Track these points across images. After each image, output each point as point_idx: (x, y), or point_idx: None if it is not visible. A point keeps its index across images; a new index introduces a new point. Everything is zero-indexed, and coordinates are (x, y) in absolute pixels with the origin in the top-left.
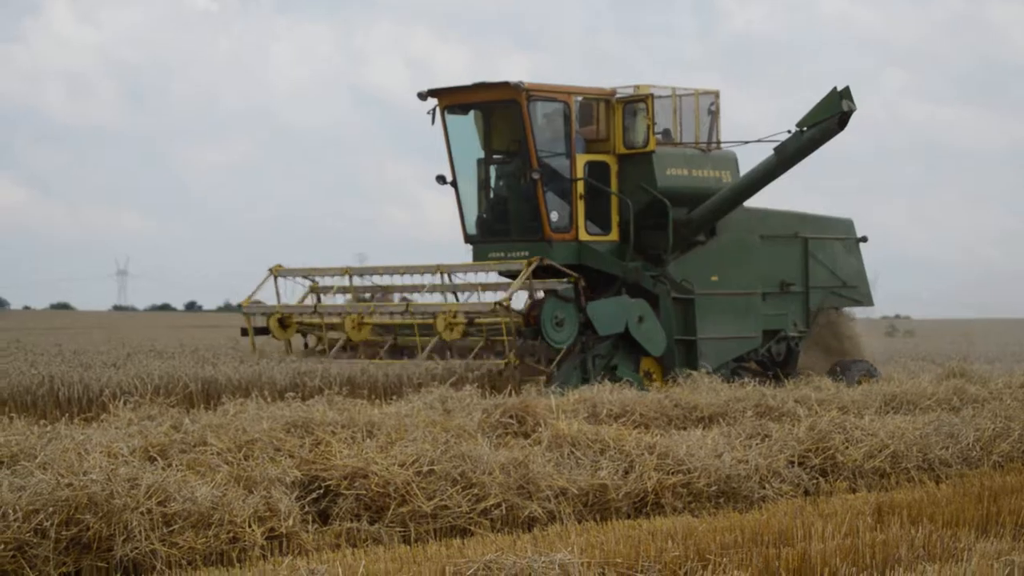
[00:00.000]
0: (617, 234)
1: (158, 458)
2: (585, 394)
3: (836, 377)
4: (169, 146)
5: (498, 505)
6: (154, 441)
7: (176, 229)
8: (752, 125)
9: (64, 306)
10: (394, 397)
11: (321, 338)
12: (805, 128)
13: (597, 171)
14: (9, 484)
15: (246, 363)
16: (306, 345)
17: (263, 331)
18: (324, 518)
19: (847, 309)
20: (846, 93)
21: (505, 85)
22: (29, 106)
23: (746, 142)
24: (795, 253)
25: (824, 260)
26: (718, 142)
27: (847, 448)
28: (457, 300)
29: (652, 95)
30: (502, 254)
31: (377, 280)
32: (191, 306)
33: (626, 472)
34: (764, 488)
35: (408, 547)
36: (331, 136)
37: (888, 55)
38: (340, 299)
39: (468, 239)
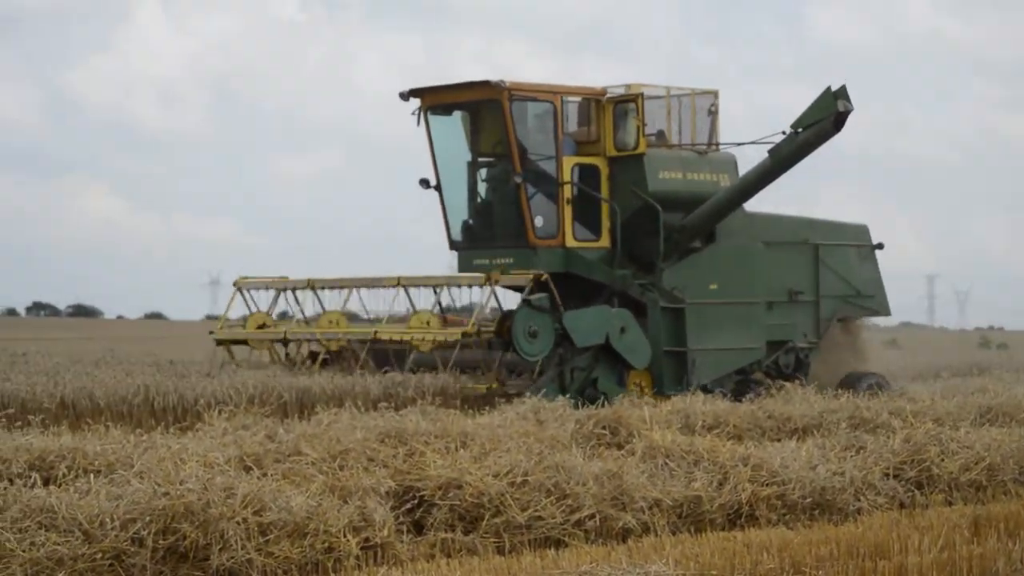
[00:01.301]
0: (608, 240)
1: (253, 467)
2: (678, 405)
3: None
4: (258, 155)
5: (592, 516)
6: (249, 451)
7: (266, 238)
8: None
9: (157, 316)
10: (487, 408)
11: (299, 348)
12: (800, 130)
13: (586, 174)
14: (107, 493)
15: (340, 374)
16: (287, 356)
17: (240, 342)
18: (418, 528)
19: (863, 319)
20: (842, 93)
21: (486, 84)
22: (120, 115)
23: (741, 143)
24: (804, 260)
25: (836, 267)
26: (716, 144)
27: (943, 460)
28: (440, 302)
29: (643, 95)
30: (487, 261)
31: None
32: (283, 315)
33: (720, 483)
34: (859, 500)
35: (503, 557)
36: (419, 146)
37: (978, 66)
38: (310, 307)
39: (453, 245)
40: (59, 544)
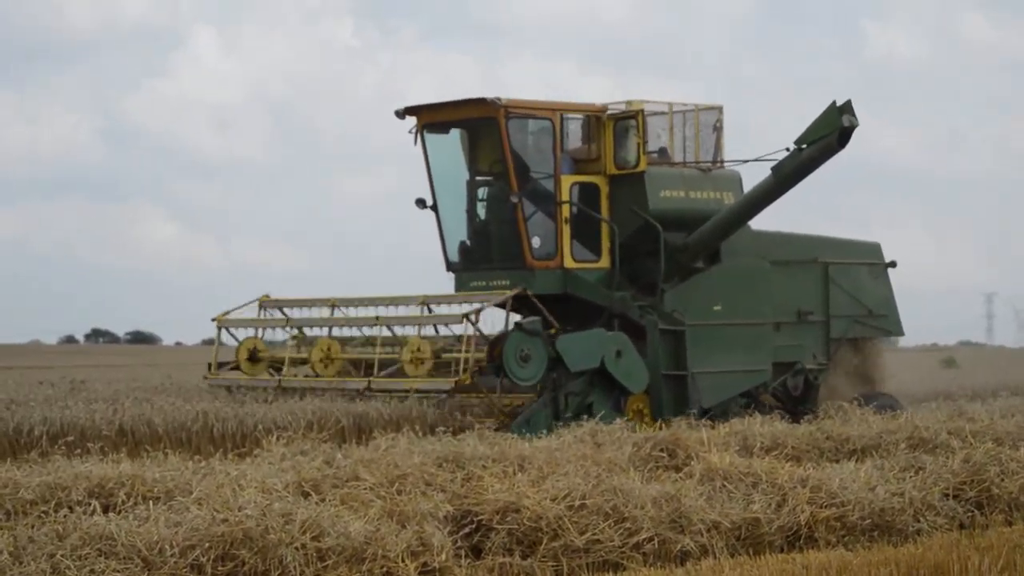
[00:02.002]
0: (608, 261)
1: (311, 493)
2: (736, 427)
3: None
4: (315, 180)
5: (651, 539)
6: (307, 476)
7: (323, 262)
8: (891, 151)
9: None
10: (543, 432)
11: (296, 375)
12: (804, 146)
13: (586, 193)
14: (166, 520)
15: (397, 398)
16: (280, 383)
17: (235, 367)
18: (476, 552)
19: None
20: (847, 108)
21: (481, 101)
22: (176, 140)
23: (745, 161)
24: (814, 279)
25: (847, 287)
26: (720, 161)
27: (1003, 480)
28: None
29: (643, 111)
30: (484, 283)
31: (356, 312)
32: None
33: (779, 505)
34: (919, 521)
35: None
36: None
37: None
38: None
39: (450, 267)
40: (119, 571)
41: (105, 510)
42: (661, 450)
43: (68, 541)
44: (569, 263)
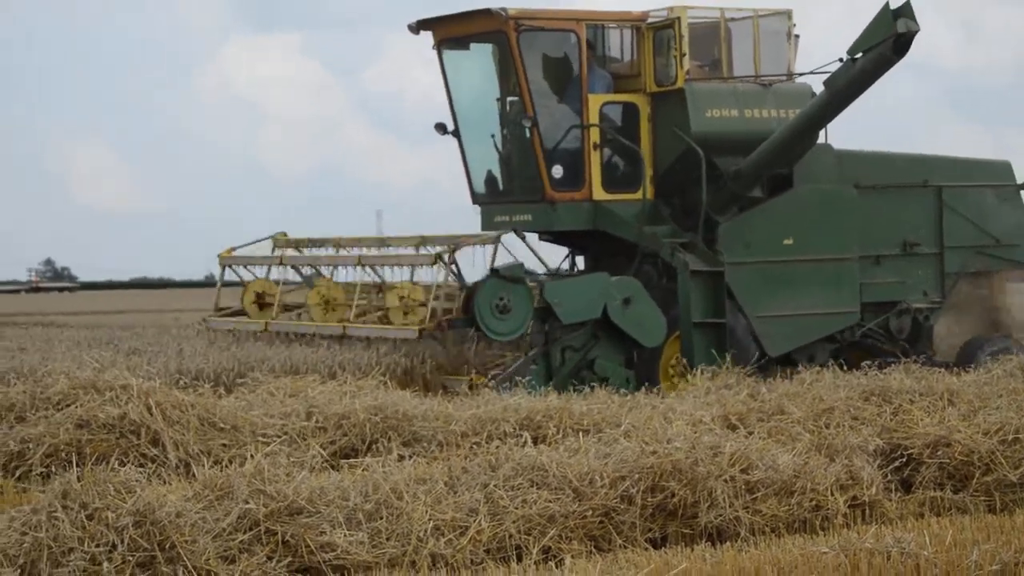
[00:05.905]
0: (649, 191)
1: (738, 426)
2: None
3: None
4: None
5: None
6: (733, 409)
7: None
8: None
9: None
10: (962, 368)
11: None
12: (857, 56)
13: (624, 115)
14: (595, 451)
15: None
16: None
17: (238, 312)
18: (906, 487)
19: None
20: (905, 10)
21: (487, 13)
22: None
23: (801, 74)
24: (923, 205)
25: (967, 213)
26: (790, 74)
27: None
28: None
29: (680, 18)
30: (507, 218)
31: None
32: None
33: None
34: None
35: (994, 516)
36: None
37: None
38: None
39: (475, 199)
40: (550, 501)
41: (535, 442)
42: None
43: (500, 471)
44: (599, 195)
